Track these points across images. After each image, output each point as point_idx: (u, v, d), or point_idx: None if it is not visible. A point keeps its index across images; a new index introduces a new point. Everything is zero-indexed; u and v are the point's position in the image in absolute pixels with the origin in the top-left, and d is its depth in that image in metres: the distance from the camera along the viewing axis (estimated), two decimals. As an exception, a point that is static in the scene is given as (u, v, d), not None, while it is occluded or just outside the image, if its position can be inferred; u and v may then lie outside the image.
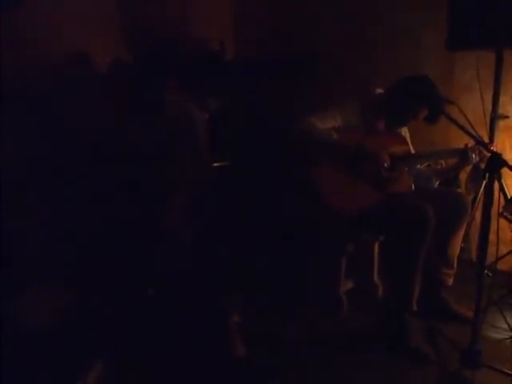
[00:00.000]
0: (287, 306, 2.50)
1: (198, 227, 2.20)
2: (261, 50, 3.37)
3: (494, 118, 2.66)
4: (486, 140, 2.57)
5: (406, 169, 2.39)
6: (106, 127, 2.31)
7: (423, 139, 2.69)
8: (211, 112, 2.87)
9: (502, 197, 2.44)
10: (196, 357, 2.00)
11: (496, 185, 1.86)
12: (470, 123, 2.05)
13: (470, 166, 2.59)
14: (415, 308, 2.21)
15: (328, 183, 2.29)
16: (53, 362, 1.86)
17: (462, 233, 2.40)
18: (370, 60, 3.15)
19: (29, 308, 2.04)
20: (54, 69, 2.52)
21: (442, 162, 2.57)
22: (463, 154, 2.40)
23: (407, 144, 2.47)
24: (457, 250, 2.41)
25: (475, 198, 2.68)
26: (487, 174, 1.81)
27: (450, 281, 2.42)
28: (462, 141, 2.42)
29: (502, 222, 2.33)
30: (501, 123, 2.70)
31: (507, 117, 2.71)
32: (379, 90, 2.49)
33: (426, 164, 2.57)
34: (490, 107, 2.66)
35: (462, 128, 1.96)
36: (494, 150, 2.29)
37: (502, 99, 2.65)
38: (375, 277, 2.56)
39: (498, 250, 1.99)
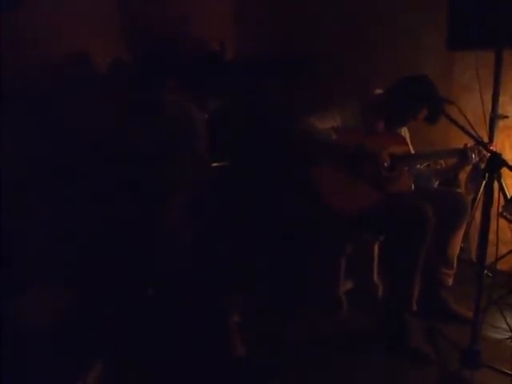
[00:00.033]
0: (287, 305, 2.50)
1: (198, 227, 2.21)
2: (261, 50, 3.37)
3: (494, 118, 2.66)
4: (486, 140, 2.57)
5: (406, 169, 2.40)
6: (105, 127, 2.31)
7: (423, 139, 2.69)
8: (211, 112, 2.87)
9: (501, 197, 2.44)
10: (196, 357, 2.00)
11: (496, 185, 1.86)
12: (469, 123, 2.05)
13: (470, 166, 2.60)
14: (415, 308, 2.21)
15: (328, 183, 2.29)
16: (53, 361, 1.86)
17: (461, 233, 2.40)
18: (370, 60, 3.15)
19: (29, 308, 2.04)
20: (54, 69, 2.51)
21: (442, 162, 2.57)
22: (463, 154, 2.40)
23: (407, 144, 2.47)
24: (456, 250, 2.41)
25: (475, 198, 2.68)
26: (487, 174, 1.81)
27: (450, 281, 2.42)
28: (461, 141, 2.42)
29: (502, 221, 2.32)
30: (500, 123, 2.70)
31: (507, 117, 2.71)
32: (379, 90, 2.49)
33: (425, 164, 2.57)
34: (489, 107, 2.66)
35: (461, 128, 1.96)
36: (494, 149, 2.30)
37: (501, 99, 2.65)
38: (375, 277, 2.56)
39: (497, 249, 2.00)
